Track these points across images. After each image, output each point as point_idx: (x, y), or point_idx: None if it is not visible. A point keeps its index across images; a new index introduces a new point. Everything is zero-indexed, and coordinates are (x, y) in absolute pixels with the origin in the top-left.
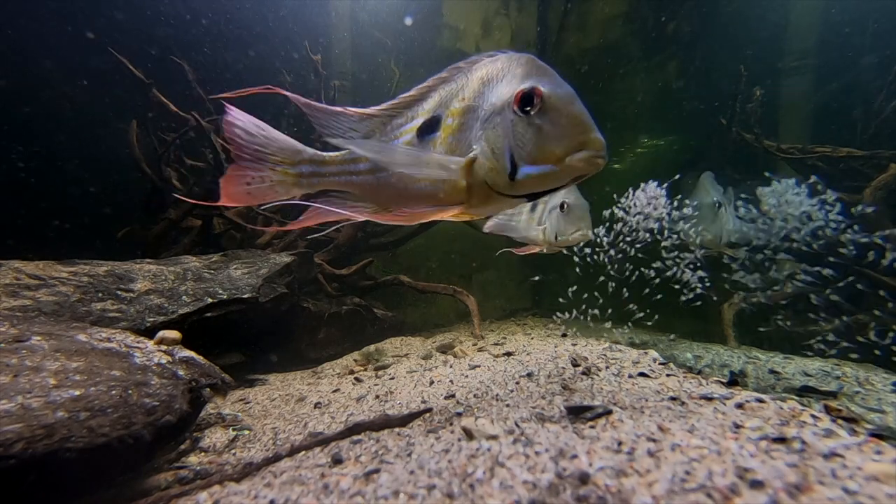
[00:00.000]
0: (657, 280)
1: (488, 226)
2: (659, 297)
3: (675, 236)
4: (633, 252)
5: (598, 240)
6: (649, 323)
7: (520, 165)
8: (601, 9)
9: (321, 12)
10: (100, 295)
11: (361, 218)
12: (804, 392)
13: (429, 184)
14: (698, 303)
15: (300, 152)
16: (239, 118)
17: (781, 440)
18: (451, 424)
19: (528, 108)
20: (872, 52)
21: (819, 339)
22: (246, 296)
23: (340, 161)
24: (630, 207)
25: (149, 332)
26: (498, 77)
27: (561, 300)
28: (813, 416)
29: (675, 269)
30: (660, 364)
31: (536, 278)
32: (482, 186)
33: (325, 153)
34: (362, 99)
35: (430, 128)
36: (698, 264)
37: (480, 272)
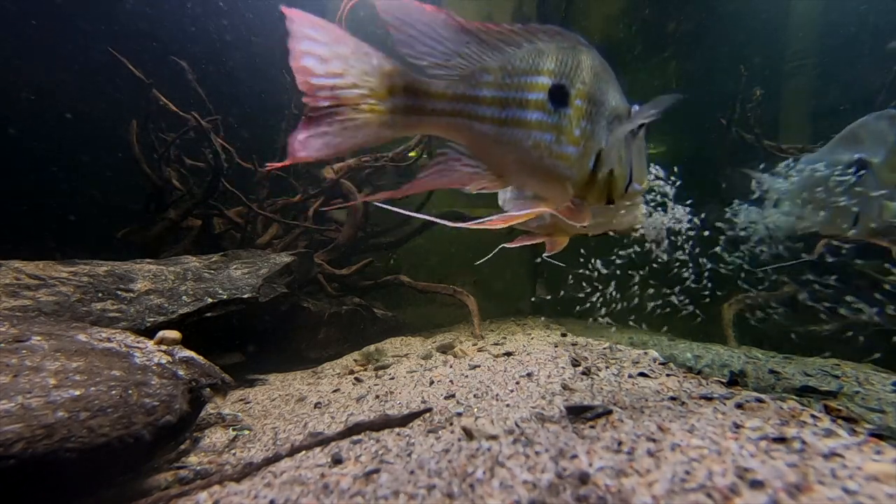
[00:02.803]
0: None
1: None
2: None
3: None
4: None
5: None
6: (633, 323)
7: (632, 181)
8: (601, 8)
9: (320, 11)
10: (100, 295)
11: (472, 188)
12: (804, 392)
13: (565, 165)
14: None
15: (392, 75)
16: (308, 30)
17: (781, 440)
18: (451, 424)
19: (638, 130)
20: (873, 51)
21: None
22: (246, 296)
23: (457, 96)
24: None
25: (149, 332)
26: (604, 77)
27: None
28: (813, 416)
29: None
30: (660, 364)
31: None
32: (601, 188)
33: (428, 80)
34: None
35: (559, 96)
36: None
37: (480, 272)
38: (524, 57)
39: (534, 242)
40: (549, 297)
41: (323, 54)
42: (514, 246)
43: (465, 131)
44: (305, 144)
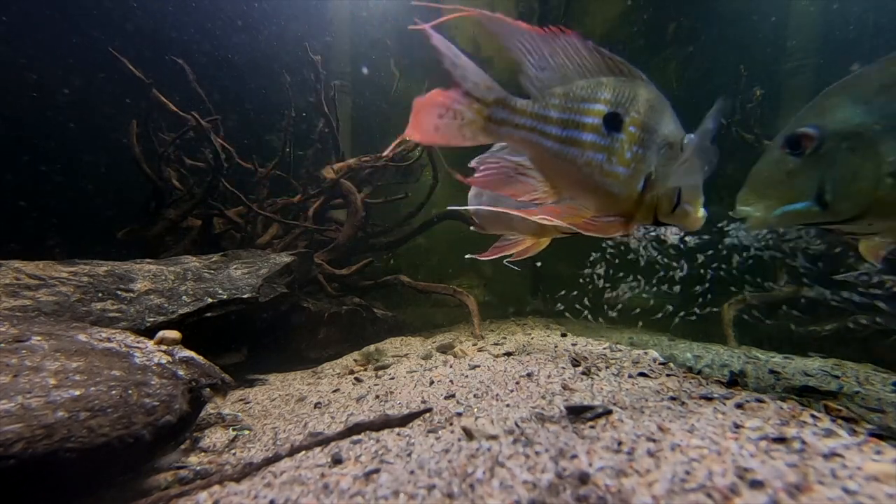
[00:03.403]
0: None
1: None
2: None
3: None
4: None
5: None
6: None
7: (681, 202)
8: (602, 7)
9: (320, 12)
10: (100, 295)
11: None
12: (804, 392)
13: (614, 182)
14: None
15: (493, 89)
16: (440, 44)
17: (781, 440)
18: (451, 424)
19: (690, 153)
20: (873, 51)
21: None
22: (246, 296)
23: (533, 114)
24: None
25: (149, 332)
26: (659, 108)
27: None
28: (813, 416)
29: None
30: (660, 364)
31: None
32: (649, 207)
33: (514, 97)
34: (363, 100)
35: (614, 123)
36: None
37: (482, 272)
38: (586, 86)
39: (507, 253)
40: (560, 307)
41: (455, 63)
42: (484, 258)
43: (535, 145)
44: (421, 129)
